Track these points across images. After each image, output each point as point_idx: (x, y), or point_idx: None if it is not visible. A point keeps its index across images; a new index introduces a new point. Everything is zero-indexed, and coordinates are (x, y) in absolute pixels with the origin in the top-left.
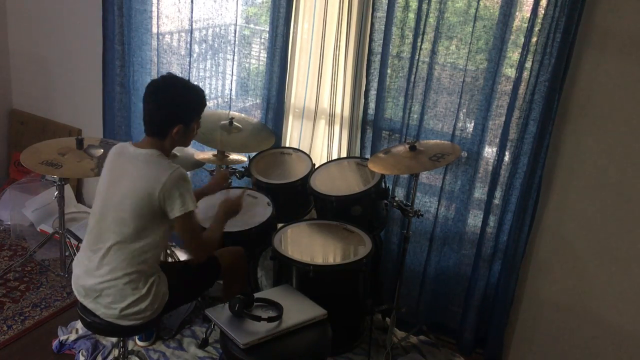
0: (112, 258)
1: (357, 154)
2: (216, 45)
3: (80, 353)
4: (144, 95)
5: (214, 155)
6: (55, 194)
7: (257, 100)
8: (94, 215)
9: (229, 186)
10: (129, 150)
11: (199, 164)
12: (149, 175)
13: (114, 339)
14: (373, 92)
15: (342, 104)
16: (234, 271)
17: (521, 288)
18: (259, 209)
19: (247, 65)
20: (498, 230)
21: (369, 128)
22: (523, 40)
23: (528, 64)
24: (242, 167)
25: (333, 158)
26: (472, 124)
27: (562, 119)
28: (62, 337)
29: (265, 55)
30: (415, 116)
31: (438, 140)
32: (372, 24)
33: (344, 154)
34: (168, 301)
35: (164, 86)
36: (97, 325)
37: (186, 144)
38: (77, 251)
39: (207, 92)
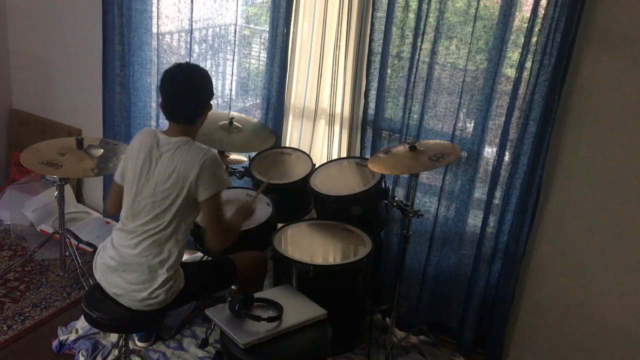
0: (145, 242)
1: (357, 154)
2: (216, 45)
3: (80, 353)
4: (168, 84)
5: None
6: (55, 194)
7: (257, 100)
8: (127, 201)
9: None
10: (160, 139)
11: None
12: (182, 161)
13: (114, 339)
14: (373, 92)
15: (342, 104)
16: (250, 277)
17: (521, 288)
18: (259, 209)
19: (247, 65)
20: (498, 230)
21: (369, 128)
22: (523, 40)
23: (528, 64)
24: (242, 167)
25: (333, 158)
26: (472, 124)
27: (562, 118)
28: (62, 337)
29: (265, 55)
30: (415, 116)
31: (438, 140)
32: (372, 24)
33: (344, 154)
34: (181, 292)
35: (190, 75)
36: (101, 320)
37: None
38: (77, 251)
39: None
